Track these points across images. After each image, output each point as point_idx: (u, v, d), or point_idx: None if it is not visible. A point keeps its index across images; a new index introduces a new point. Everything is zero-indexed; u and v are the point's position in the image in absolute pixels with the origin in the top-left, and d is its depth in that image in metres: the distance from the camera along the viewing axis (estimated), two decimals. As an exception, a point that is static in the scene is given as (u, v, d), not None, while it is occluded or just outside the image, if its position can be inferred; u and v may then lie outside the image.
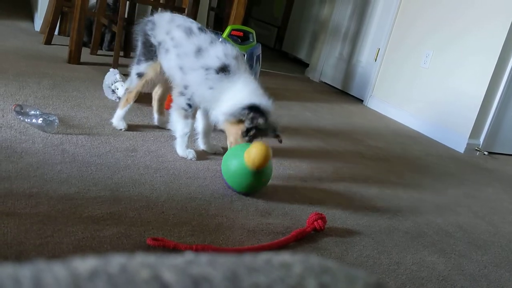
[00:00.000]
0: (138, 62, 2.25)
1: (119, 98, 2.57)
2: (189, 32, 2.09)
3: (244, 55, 3.30)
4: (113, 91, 2.61)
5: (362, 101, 4.41)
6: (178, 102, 2.05)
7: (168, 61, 2.14)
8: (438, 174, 2.73)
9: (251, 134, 1.90)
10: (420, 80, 3.88)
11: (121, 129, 2.25)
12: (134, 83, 2.26)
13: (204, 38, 2.08)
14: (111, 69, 2.73)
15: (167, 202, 1.64)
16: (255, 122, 1.88)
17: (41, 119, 1.96)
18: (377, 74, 4.33)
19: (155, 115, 2.44)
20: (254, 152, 1.70)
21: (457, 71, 3.59)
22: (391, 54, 4.22)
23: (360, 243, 1.67)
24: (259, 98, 1.95)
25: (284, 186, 2.01)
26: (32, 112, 2.03)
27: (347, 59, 4.74)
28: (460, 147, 3.47)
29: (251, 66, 3.34)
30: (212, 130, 2.19)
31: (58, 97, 2.42)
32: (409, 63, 4.01)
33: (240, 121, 1.91)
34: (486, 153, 3.51)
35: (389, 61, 4.22)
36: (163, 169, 1.89)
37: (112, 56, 3.31)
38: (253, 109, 1.89)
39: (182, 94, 2.04)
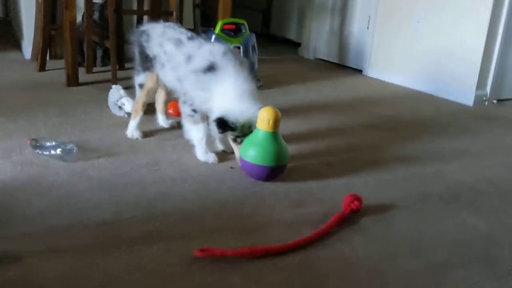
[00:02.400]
0: (137, 73, 2.26)
1: (127, 113, 2.56)
2: (178, 43, 2.09)
3: (240, 47, 3.29)
4: (120, 108, 2.59)
5: (361, 71, 4.39)
6: (183, 110, 2.06)
7: (166, 75, 2.15)
8: (455, 131, 2.73)
9: (238, 141, 1.94)
10: (417, 40, 3.85)
11: (137, 138, 2.26)
12: (138, 94, 2.27)
13: (193, 44, 2.07)
14: (114, 86, 2.71)
15: (201, 210, 1.64)
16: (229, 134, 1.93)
17: (59, 149, 1.95)
18: (372, 42, 4.29)
19: (159, 116, 2.45)
20: (266, 115, 1.80)
21: (453, 25, 3.56)
22: (383, 20, 4.18)
23: (399, 216, 1.67)
24: (232, 103, 1.90)
25: (310, 172, 2.01)
26: (48, 143, 2.02)
27: (338, 32, 4.71)
28: (469, 100, 3.46)
29: (247, 57, 3.33)
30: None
31: (67, 123, 2.41)
32: (403, 25, 3.97)
33: None
34: (495, 101, 3.50)
35: (382, 27, 4.19)
36: (189, 178, 1.89)
37: (108, 71, 3.29)
38: (219, 123, 1.89)
39: (184, 102, 2.05)
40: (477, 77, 3.42)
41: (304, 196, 1.78)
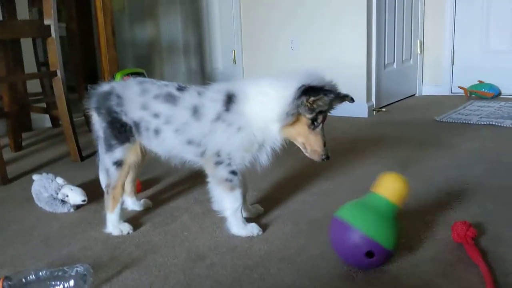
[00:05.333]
0: (110, 148, 1.70)
1: (75, 206, 1.94)
2: (171, 99, 1.65)
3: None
4: (63, 202, 1.92)
5: (236, 106, 4.27)
6: (217, 175, 1.61)
7: (165, 142, 1.67)
8: (422, 142, 2.83)
9: (319, 121, 1.51)
10: (296, 66, 3.92)
11: (128, 233, 1.71)
12: (114, 175, 1.71)
13: (190, 95, 1.67)
14: (36, 176, 2.00)
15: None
16: (318, 104, 1.47)
17: (72, 280, 1.31)
18: (243, 75, 4.23)
19: (128, 199, 1.92)
20: (399, 184, 1.37)
21: (332, 44, 3.72)
22: (251, 52, 4.16)
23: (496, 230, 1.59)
24: (295, 77, 1.50)
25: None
26: (33, 277, 1.34)
27: (198, 70, 4.52)
28: (363, 112, 3.67)
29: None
30: (247, 191, 1.80)
31: (7, 245, 1.67)
32: (275, 54, 4.00)
33: (298, 116, 1.50)
34: (384, 109, 3.78)
35: (252, 59, 4.16)
36: (276, 267, 1.46)
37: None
38: (306, 91, 1.45)
39: (218, 163, 1.61)
40: (365, 90, 3.65)
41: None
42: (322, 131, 1.54)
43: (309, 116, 1.49)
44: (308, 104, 1.47)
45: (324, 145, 1.54)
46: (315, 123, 1.51)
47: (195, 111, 1.62)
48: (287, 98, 1.48)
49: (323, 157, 1.54)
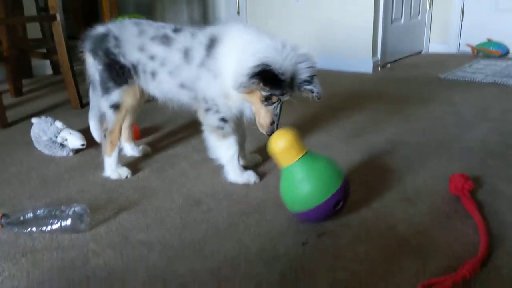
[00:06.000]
0: (107, 91, 1.68)
1: (74, 150, 1.94)
2: (166, 40, 1.61)
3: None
4: (62, 145, 1.92)
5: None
6: (208, 122, 1.60)
7: (161, 85, 1.65)
8: (419, 100, 2.80)
9: (273, 101, 1.46)
10: (300, 19, 3.83)
11: (126, 176, 1.71)
12: (111, 119, 1.70)
13: (184, 36, 1.62)
14: (35, 119, 1.99)
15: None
16: (268, 89, 1.42)
17: (69, 219, 1.32)
18: (246, 26, 4.14)
19: (127, 145, 1.92)
20: (276, 152, 1.36)
21: (338, -1, 3.63)
22: (255, 3, 4.06)
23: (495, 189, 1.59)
24: (267, 49, 1.42)
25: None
26: (31, 214, 1.35)
27: (202, 21, 4.43)
28: (368, 68, 3.61)
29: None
30: (245, 140, 1.79)
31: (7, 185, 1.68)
32: (280, 6, 3.91)
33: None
34: (389, 65, 3.72)
35: (256, 10, 4.06)
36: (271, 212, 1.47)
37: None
38: (261, 73, 1.39)
39: (207, 110, 1.59)
40: (371, 45, 3.58)
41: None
42: (276, 109, 1.48)
43: (264, 94, 1.44)
44: (259, 87, 1.41)
45: (273, 123, 1.48)
46: (269, 101, 1.46)
47: (186, 54, 1.58)
48: (245, 69, 1.41)
49: (268, 133, 1.48)
